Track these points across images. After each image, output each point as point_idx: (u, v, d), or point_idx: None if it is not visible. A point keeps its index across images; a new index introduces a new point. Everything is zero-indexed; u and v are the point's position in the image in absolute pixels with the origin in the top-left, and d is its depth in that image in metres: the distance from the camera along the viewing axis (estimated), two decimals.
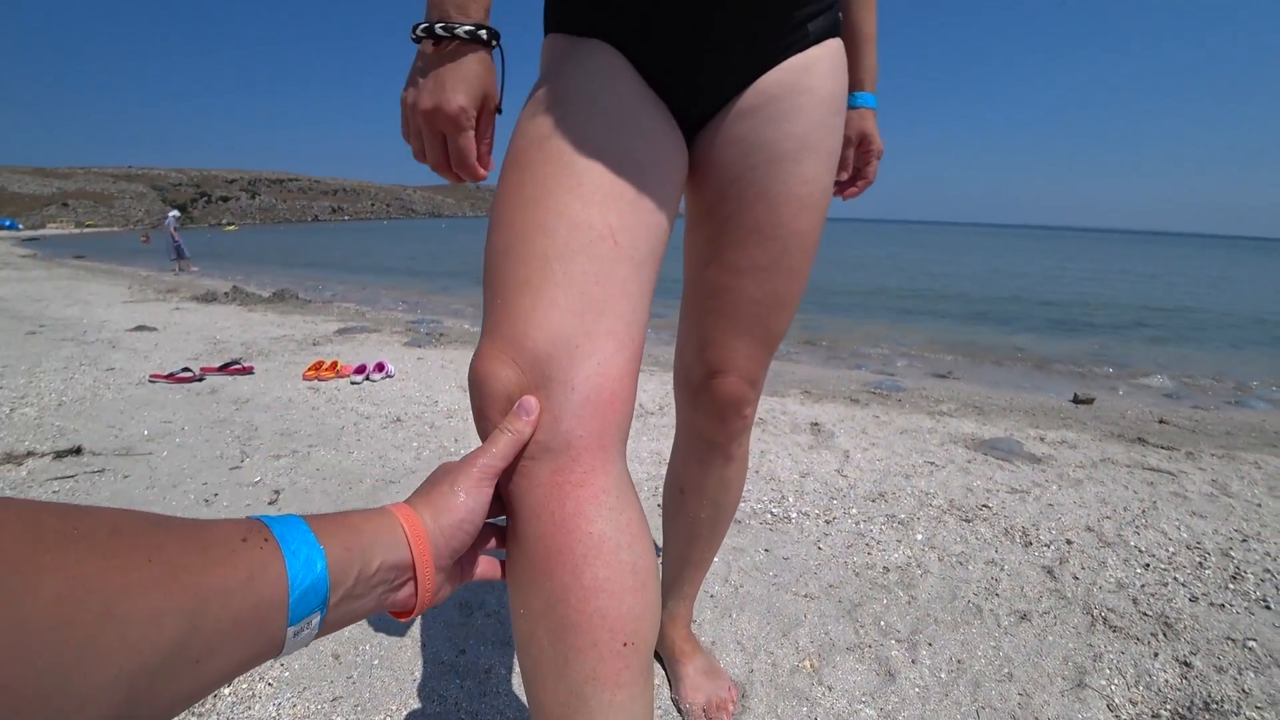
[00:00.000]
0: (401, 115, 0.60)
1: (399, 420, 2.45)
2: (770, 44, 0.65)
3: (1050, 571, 1.50)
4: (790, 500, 1.86)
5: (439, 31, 0.55)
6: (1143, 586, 1.45)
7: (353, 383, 3.03)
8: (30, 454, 1.90)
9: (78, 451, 1.93)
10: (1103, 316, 8.61)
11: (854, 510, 1.81)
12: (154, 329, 4.59)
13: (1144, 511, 1.89)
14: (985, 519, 1.79)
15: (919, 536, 1.67)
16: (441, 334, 5.08)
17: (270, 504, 1.61)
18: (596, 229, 0.53)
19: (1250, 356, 6.30)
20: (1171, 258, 31.77)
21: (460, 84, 0.56)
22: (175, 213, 13.86)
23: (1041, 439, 2.71)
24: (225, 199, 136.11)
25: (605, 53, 0.62)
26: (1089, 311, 8.87)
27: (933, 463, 2.25)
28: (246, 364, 3.21)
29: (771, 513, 1.77)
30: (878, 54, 0.86)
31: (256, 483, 1.75)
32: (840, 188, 0.90)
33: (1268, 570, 1.55)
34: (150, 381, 2.93)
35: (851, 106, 0.86)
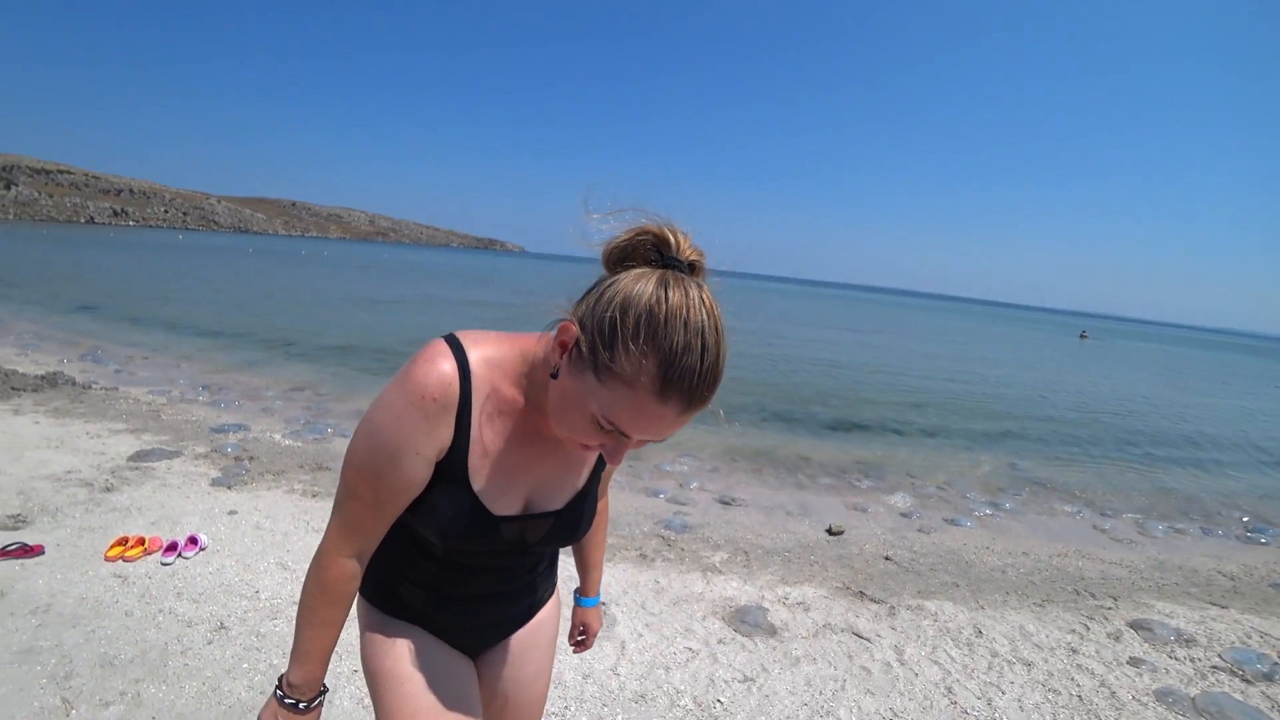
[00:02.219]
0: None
1: (224, 628, 2.69)
2: (514, 627, 1.20)
3: None
4: (572, 711, 2.43)
5: (309, 706, 0.99)
6: None
7: (163, 563, 3.15)
8: None
9: None
10: (881, 411, 10.33)
11: (620, 717, 2.41)
12: None
13: (834, 695, 2.68)
14: (716, 716, 2.49)
15: None
16: (251, 457, 5.09)
17: None
18: None
19: (979, 456, 8.04)
20: (958, 331, 37.31)
21: None
22: None
23: (785, 600, 3.52)
24: None
25: (413, 630, 1.12)
26: (871, 407, 10.62)
27: (691, 648, 2.92)
28: (33, 544, 3.17)
29: None
30: None
31: None
32: (572, 644, 1.48)
33: None
34: None
35: (580, 605, 1.44)
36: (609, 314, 0.77)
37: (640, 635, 3.02)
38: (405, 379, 0.91)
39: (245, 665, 2.48)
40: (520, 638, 1.23)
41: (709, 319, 0.77)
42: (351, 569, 0.98)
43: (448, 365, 0.91)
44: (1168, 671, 3.07)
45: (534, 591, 1.23)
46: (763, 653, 2.95)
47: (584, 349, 0.81)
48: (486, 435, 0.96)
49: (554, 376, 0.88)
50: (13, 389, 6.28)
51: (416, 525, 1.01)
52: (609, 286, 0.81)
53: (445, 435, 0.93)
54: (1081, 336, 48.33)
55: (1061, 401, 13.43)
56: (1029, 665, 3.02)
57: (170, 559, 3.20)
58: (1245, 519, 6.39)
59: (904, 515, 5.60)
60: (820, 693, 2.67)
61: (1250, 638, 3.49)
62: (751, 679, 2.73)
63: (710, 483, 6.07)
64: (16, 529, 3.39)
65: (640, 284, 0.78)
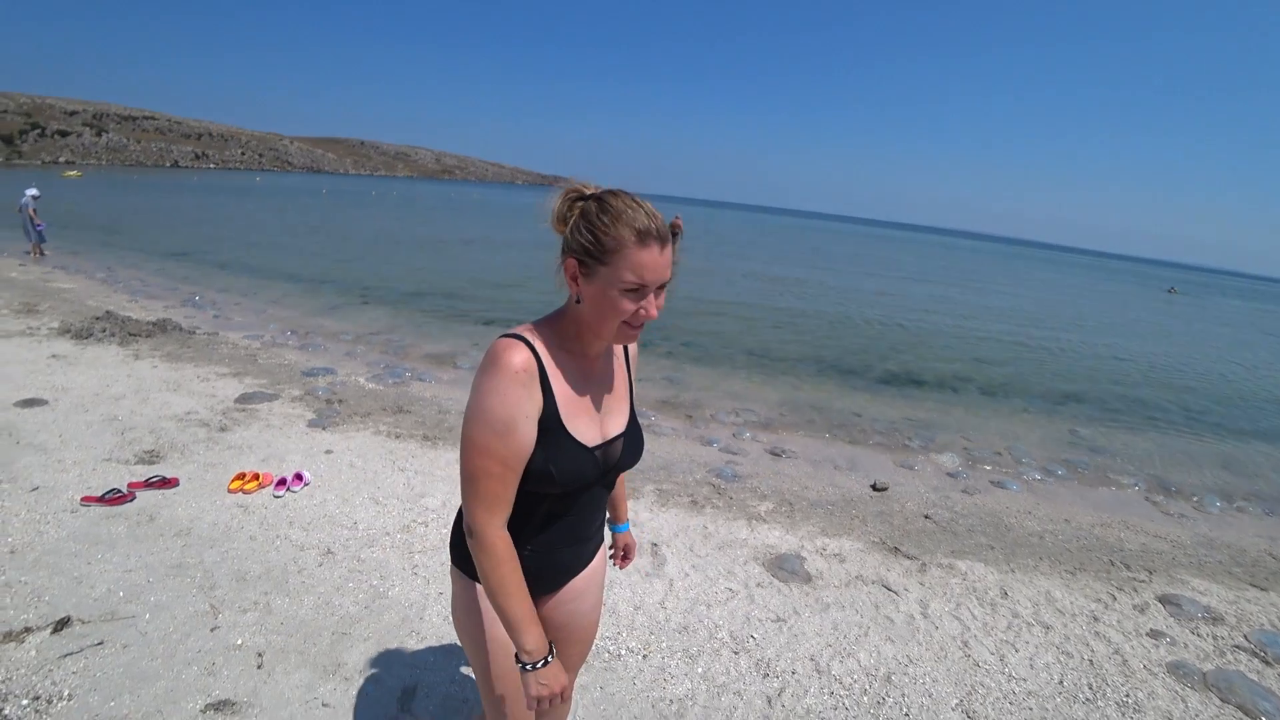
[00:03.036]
0: (528, 695, 1.25)
1: (330, 552, 3.20)
2: (582, 568, 1.54)
3: (769, 700, 2.52)
4: (623, 637, 2.82)
5: (553, 656, 1.26)
6: (821, 713, 2.49)
7: (276, 496, 3.69)
8: (27, 630, 2.45)
9: (68, 622, 2.50)
10: (945, 368, 10.37)
11: (664, 644, 2.80)
12: (44, 402, 4.84)
13: (856, 639, 2.99)
14: (748, 650, 2.82)
15: (699, 669, 2.66)
16: (340, 400, 5.66)
17: (259, 667, 2.37)
18: None
19: (1040, 420, 8.05)
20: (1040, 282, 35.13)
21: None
22: (34, 190, 12.88)
23: (822, 551, 3.82)
24: (63, 134, 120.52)
25: None
26: (934, 363, 10.68)
27: (731, 588, 3.28)
28: (170, 476, 3.76)
29: (609, 650, 2.72)
30: None
31: (240, 646, 2.49)
32: (618, 562, 1.82)
33: (904, 694, 2.64)
34: (84, 505, 3.39)
35: (617, 533, 1.81)
36: (583, 232, 1.20)
37: (687, 575, 3.39)
38: (495, 368, 1.21)
39: (351, 584, 2.97)
40: (584, 576, 1.56)
41: (630, 196, 1.21)
42: (508, 536, 1.28)
43: (521, 348, 1.23)
44: (1186, 646, 3.22)
45: (600, 532, 1.57)
46: (796, 597, 3.28)
47: (587, 261, 1.21)
48: (562, 389, 1.30)
49: (579, 302, 1.25)
50: (130, 335, 7.07)
51: (534, 483, 1.29)
52: (572, 229, 1.23)
53: (539, 397, 1.26)
54: (1170, 291, 45.72)
55: (1138, 365, 12.91)
56: (1047, 628, 3.24)
57: (281, 492, 3.75)
58: None
59: (950, 475, 5.75)
60: (844, 636, 2.99)
61: None
62: (783, 620, 3.07)
63: (763, 433, 6.37)
64: (153, 463, 4.01)
65: (586, 212, 1.21)
